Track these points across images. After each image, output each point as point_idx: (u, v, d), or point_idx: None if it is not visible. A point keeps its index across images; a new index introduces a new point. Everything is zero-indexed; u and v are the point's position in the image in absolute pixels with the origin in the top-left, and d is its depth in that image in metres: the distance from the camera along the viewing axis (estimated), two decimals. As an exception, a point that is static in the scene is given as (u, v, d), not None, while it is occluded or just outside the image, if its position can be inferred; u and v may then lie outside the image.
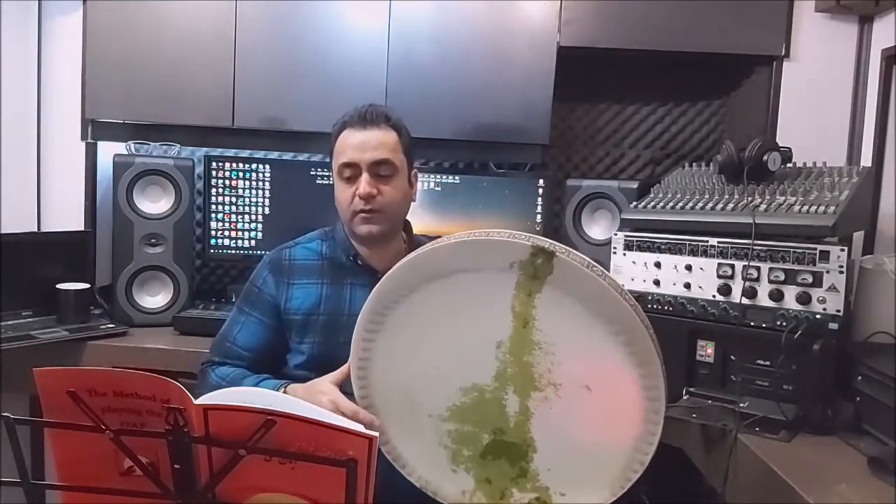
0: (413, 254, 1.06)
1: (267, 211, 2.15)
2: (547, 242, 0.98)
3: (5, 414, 0.87)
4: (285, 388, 1.27)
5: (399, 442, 1.17)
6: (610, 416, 1.04)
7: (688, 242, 1.47)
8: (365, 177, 1.32)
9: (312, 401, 1.15)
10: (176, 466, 0.88)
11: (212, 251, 2.16)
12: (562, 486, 1.11)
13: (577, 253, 0.99)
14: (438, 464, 1.15)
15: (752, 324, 1.39)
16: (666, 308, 1.49)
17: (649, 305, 1.50)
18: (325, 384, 1.20)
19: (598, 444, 1.06)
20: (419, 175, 1.47)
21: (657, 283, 1.51)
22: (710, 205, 1.50)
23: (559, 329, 1.02)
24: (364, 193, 1.31)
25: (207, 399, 0.90)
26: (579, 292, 0.98)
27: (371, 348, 1.12)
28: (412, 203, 1.43)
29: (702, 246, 1.46)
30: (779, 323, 1.35)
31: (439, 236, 1.55)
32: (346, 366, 1.18)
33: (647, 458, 1.04)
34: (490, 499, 1.15)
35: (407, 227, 1.45)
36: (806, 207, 1.37)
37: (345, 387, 1.19)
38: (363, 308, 1.10)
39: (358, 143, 1.33)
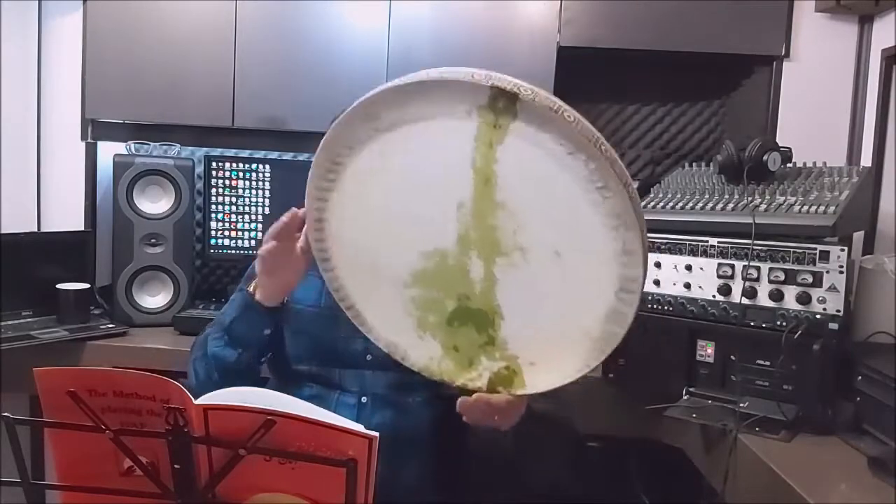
0: (359, 99, 0.95)
1: (267, 211, 2.15)
2: (509, 83, 0.86)
3: (5, 414, 0.87)
4: (250, 287, 1.25)
5: (363, 307, 1.11)
6: (581, 283, 0.95)
7: (688, 242, 1.47)
8: None
9: (279, 257, 1.17)
10: (176, 466, 0.87)
11: (212, 251, 2.16)
12: (531, 355, 1.04)
13: (546, 94, 0.86)
14: (404, 330, 1.10)
15: (752, 324, 1.39)
16: (666, 308, 1.50)
17: (649, 305, 1.50)
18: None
19: (569, 313, 0.98)
20: None
21: (657, 283, 1.51)
22: (710, 205, 1.50)
23: (525, 186, 0.92)
24: None
25: (207, 399, 0.90)
26: (547, 141, 0.86)
27: (325, 209, 1.05)
28: None
29: (702, 246, 1.46)
30: (779, 323, 1.35)
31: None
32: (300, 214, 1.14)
33: (622, 330, 0.95)
34: (458, 366, 1.09)
35: None
36: (806, 207, 1.37)
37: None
38: (314, 159, 1.02)
39: None
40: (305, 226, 1.13)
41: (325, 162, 1.01)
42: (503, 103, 0.86)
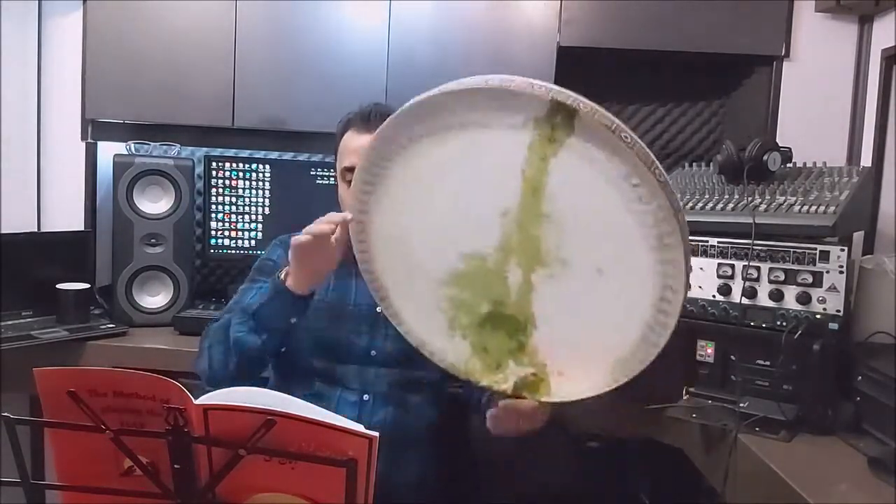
0: (414, 99, 0.95)
1: (267, 211, 2.15)
2: (569, 97, 0.85)
3: (5, 414, 0.87)
4: (282, 274, 1.22)
5: (397, 300, 1.13)
6: (620, 300, 0.96)
7: (688, 242, 1.47)
8: None
9: (313, 248, 1.14)
10: (176, 466, 0.87)
11: (212, 251, 2.16)
12: (560, 365, 1.06)
13: (604, 112, 0.85)
14: (435, 327, 1.11)
15: (752, 324, 1.39)
16: (666, 308, 1.49)
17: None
18: None
19: (605, 329, 0.99)
20: None
21: (657, 283, 1.51)
22: (710, 205, 1.50)
23: (574, 201, 0.92)
24: None
25: (207, 399, 0.90)
26: (602, 161, 0.86)
27: (369, 202, 1.06)
28: None
29: (702, 246, 1.46)
30: (779, 323, 1.35)
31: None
32: (343, 213, 1.15)
33: (655, 350, 0.97)
34: (486, 368, 1.10)
35: None
36: (806, 207, 1.37)
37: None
38: (363, 152, 1.03)
39: (359, 147, 1.33)
40: (344, 217, 1.13)
41: (373, 158, 1.01)
42: (561, 118, 0.85)
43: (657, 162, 0.86)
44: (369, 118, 1.35)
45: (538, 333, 1.04)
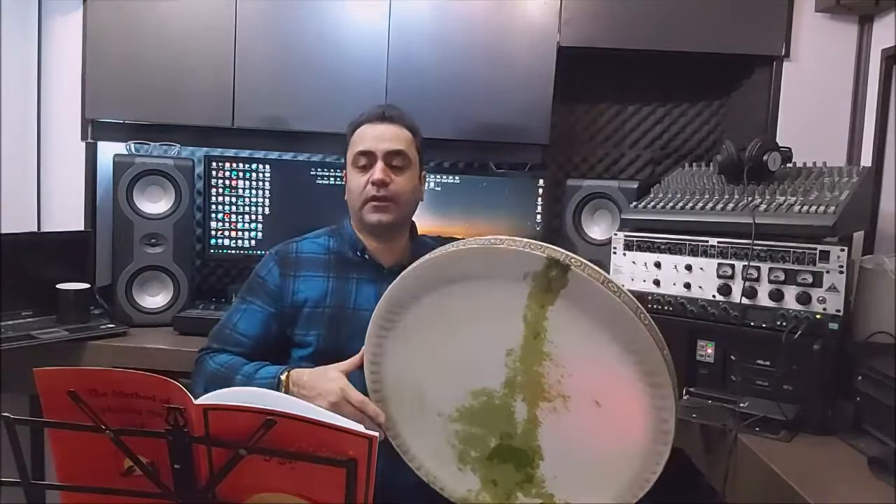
0: (436, 253, 1.06)
1: (267, 211, 2.15)
2: (562, 255, 0.97)
3: (5, 414, 0.87)
4: (288, 373, 1.25)
5: (408, 436, 1.18)
6: (618, 432, 1.04)
7: (688, 242, 1.47)
8: (380, 164, 1.37)
9: (320, 387, 1.17)
10: (176, 466, 0.88)
11: (212, 251, 2.16)
12: (567, 494, 1.11)
13: (593, 266, 0.98)
14: (445, 461, 1.17)
15: (752, 324, 1.39)
16: (666, 308, 1.49)
17: (649, 305, 1.50)
18: (335, 372, 1.20)
19: (606, 458, 1.06)
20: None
21: (657, 283, 1.51)
22: (710, 205, 1.50)
23: (571, 343, 1.02)
24: (377, 179, 1.35)
25: (207, 399, 0.90)
26: (593, 308, 0.97)
27: (384, 344, 1.13)
28: (419, 202, 1.48)
29: (702, 246, 1.46)
30: (779, 323, 1.35)
31: (440, 236, 1.57)
32: (356, 357, 1.19)
33: (654, 476, 1.04)
34: (495, 500, 1.16)
35: (412, 226, 1.48)
36: (806, 207, 1.37)
37: (351, 378, 1.20)
38: (379, 303, 1.11)
39: (376, 135, 1.39)
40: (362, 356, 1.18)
41: (389, 305, 1.10)
42: (556, 272, 0.97)
43: (641, 308, 0.98)
44: (384, 114, 1.41)
45: (545, 465, 1.11)
